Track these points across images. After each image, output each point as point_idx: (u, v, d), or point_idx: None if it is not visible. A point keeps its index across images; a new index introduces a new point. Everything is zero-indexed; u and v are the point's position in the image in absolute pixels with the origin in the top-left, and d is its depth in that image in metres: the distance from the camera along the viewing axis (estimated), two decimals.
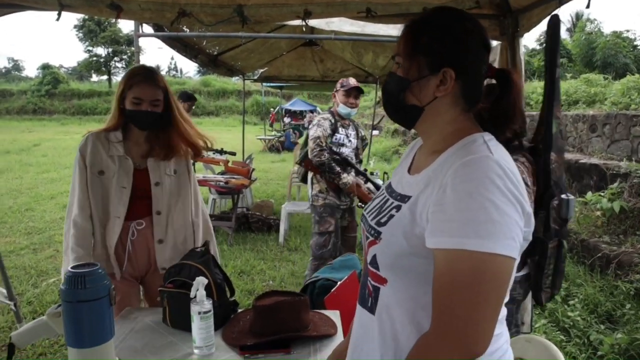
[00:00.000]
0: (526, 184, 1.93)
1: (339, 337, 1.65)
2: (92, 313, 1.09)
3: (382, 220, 0.99)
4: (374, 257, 0.99)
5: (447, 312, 0.83)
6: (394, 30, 4.07)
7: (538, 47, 16.92)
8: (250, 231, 5.80)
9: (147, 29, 4.11)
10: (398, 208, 0.97)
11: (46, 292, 3.90)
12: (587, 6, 1.63)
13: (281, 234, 5.48)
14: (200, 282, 1.49)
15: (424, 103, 0.98)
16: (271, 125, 20.56)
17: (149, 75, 1.95)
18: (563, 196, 2.00)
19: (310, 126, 3.58)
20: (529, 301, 2.69)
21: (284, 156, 14.56)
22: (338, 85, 3.49)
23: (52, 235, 5.61)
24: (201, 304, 1.48)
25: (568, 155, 5.69)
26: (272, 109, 24.46)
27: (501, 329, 0.99)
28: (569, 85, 7.78)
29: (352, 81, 3.46)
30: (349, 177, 3.41)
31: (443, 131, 0.99)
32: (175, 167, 2.08)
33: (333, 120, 3.46)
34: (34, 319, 3.36)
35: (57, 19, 2.43)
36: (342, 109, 3.42)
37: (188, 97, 6.37)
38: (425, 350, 0.86)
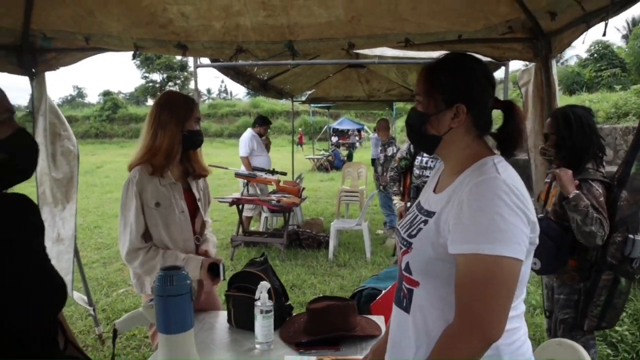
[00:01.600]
0: (601, 206, 2.06)
1: None
2: (178, 306, 1.34)
3: (413, 233, 1.19)
4: (407, 264, 1.19)
5: (467, 305, 1.01)
6: (435, 53, 4.25)
7: (589, 57, 16.44)
8: (300, 247, 6.05)
9: (205, 59, 4.49)
10: (425, 222, 1.17)
11: (117, 301, 4.28)
12: (604, 34, 1.77)
13: (330, 250, 5.68)
14: (264, 286, 1.72)
15: (441, 133, 1.18)
16: (300, 145, 20.98)
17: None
18: (630, 235, 2.08)
19: None
20: None
21: (332, 175, 14.82)
22: None
23: (119, 251, 6.04)
24: (264, 305, 1.71)
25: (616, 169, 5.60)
26: (300, 129, 25.07)
27: (519, 323, 1.16)
28: (618, 97, 7.63)
29: None
30: (399, 203, 3.60)
31: (459, 155, 1.19)
32: (203, 183, 2.23)
33: None
34: (108, 324, 3.74)
35: (133, 59, 2.82)
36: None
37: (263, 121, 6.76)
38: (451, 339, 1.04)
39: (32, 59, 2.77)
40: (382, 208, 6.71)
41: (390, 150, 6.41)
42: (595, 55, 15.75)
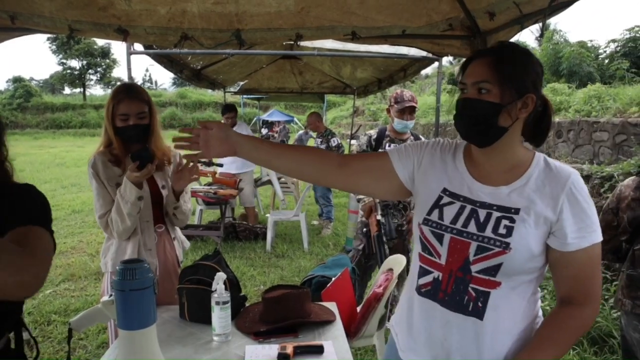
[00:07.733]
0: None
1: (338, 323, 1.88)
2: (141, 300, 1.29)
3: (503, 232, 1.15)
4: (499, 265, 1.14)
5: (592, 289, 1.17)
6: (372, 46, 4.34)
7: None
8: (237, 240, 5.98)
9: (138, 46, 4.29)
10: (511, 220, 1.16)
11: (44, 303, 4.02)
12: (541, 35, 1.91)
13: (268, 242, 5.68)
14: (221, 277, 1.70)
15: (509, 124, 1.17)
16: None
17: (132, 90, 2.08)
18: None
19: None
20: None
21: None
22: (392, 100, 3.32)
23: None
24: (221, 296, 1.69)
25: None
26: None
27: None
28: None
29: (407, 95, 3.27)
30: (367, 197, 3.28)
31: (514, 148, 1.22)
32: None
33: (376, 136, 3.39)
34: (36, 328, 3.51)
35: (67, 42, 2.64)
36: (397, 124, 3.29)
37: (230, 108, 6.57)
38: (580, 319, 1.17)
39: None
40: (319, 199, 6.77)
41: (334, 141, 6.42)
42: None
